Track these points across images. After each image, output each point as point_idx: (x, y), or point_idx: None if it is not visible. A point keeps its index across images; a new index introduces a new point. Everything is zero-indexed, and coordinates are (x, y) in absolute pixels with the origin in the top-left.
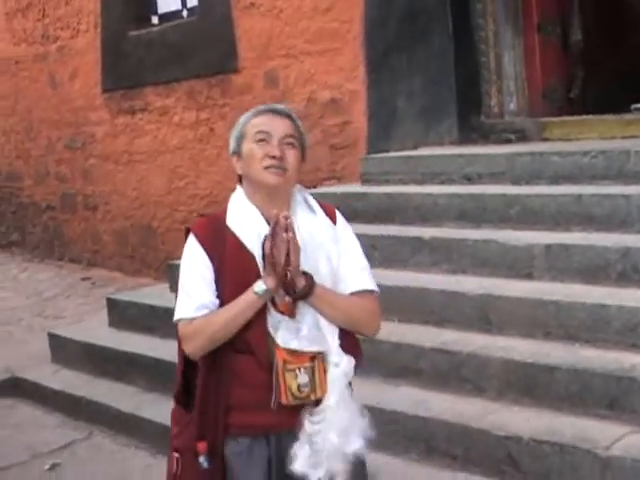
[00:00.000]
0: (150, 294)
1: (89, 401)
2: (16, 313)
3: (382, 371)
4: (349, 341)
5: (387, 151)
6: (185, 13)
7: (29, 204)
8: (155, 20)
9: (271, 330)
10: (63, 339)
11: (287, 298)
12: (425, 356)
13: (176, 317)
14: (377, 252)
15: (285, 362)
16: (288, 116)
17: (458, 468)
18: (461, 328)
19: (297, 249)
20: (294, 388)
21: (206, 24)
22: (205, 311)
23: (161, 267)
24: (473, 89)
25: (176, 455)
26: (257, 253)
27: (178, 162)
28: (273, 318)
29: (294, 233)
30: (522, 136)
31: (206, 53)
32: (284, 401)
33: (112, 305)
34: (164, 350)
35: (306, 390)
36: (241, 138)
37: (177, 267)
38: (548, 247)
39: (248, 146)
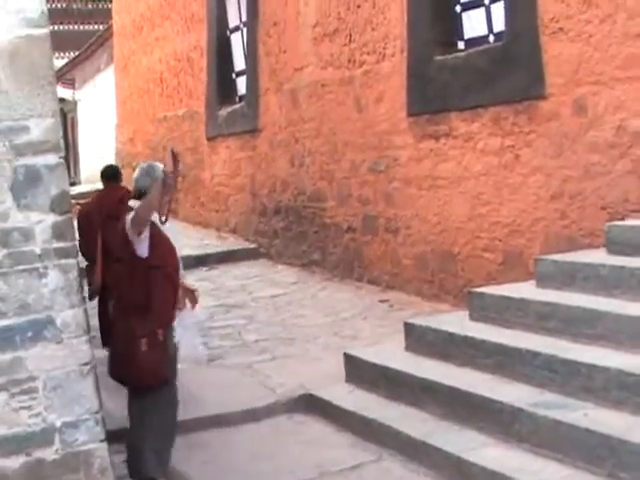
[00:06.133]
0: (448, 321)
1: (380, 424)
2: (313, 331)
3: None
4: None
5: None
6: (491, 38)
7: (331, 225)
8: (461, 45)
9: None
10: (358, 360)
11: None
12: None
13: None
14: None
15: None
16: None
17: None
18: None
19: None
20: None
21: (513, 49)
22: None
23: (460, 294)
24: None
25: None
26: None
27: (481, 188)
28: None
29: None
30: None
31: (512, 78)
32: None
33: (409, 329)
34: (460, 379)
35: None
36: None
37: (478, 295)
38: None
39: None
